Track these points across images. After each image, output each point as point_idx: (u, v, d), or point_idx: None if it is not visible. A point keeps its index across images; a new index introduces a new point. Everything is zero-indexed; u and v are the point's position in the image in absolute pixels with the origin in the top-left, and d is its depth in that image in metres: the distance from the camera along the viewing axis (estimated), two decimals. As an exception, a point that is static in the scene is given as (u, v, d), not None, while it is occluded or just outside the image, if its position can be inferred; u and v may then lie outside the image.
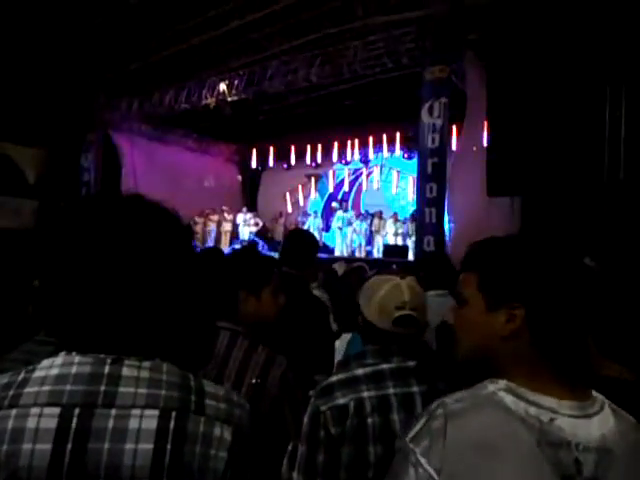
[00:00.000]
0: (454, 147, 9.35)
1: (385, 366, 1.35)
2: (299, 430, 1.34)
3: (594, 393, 0.80)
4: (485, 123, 7.54)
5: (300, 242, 2.68)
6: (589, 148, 5.59)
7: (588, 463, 0.72)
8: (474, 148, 7.74)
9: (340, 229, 12.93)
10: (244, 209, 14.59)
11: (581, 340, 0.80)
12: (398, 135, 12.67)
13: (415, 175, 9.75)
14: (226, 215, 14.11)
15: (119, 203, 0.78)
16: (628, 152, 5.35)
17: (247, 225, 14.03)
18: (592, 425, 0.75)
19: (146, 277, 0.72)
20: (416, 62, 8.60)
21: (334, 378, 1.34)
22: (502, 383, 0.78)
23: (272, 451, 1.38)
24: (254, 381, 1.55)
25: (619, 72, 5.36)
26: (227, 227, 13.99)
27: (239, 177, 16.31)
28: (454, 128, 9.72)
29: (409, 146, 12.42)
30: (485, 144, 7.55)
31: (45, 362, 0.71)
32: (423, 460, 0.73)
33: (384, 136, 12.91)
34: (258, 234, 13.79)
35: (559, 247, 0.82)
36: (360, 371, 1.34)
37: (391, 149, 13.01)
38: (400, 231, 11.85)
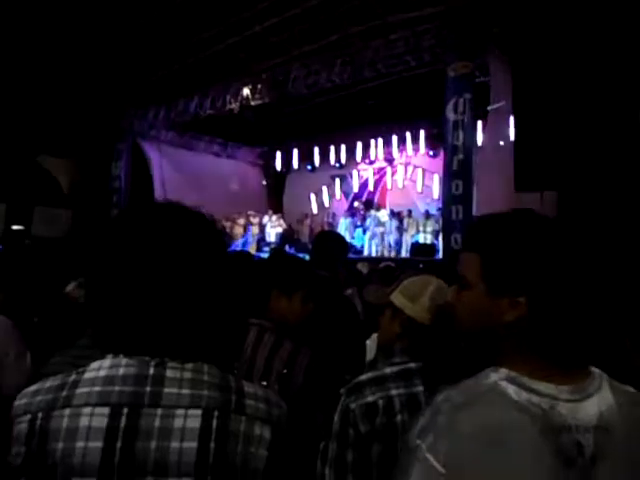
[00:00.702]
0: (479, 143, 9.22)
1: (413, 365, 1.36)
2: (328, 424, 1.36)
3: (592, 369, 0.80)
4: (511, 118, 7.42)
5: (330, 244, 2.71)
6: (620, 139, 5.44)
7: (588, 444, 0.73)
8: (501, 143, 7.63)
9: (368, 229, 12.88)
10: (270, 212, 14.70)
11: (586, 325, 0.79)
12: (422, 133, 12.55)
13: (440, 173, 9.67)
14: (252, 219, 14.25)
15: (159, 211, 0.81)
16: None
17: (273, 227, 14.14)
18: (591, 405, 0.76)
19: (187, 282, 0.75)
20: (438, 59, 8.51)
21: (363, 377, 1.36)
22: (504, 372, 0.78)
23: (302, 441, 1.41)
24: (283, 371, 1.59)
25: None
26: (254, 230, 14.13)
27: (264, 180, 16.45)
28: (479, 124, 9.60)
29: (433, 143, 12.29)
30: (512, 139, 7.43)
31: (94, 364, 0.75)
32: (430, 455, 0.73)
33: (408, 134, 12.81)
34: (284, 237, 13.86)
35: (563, 227, 0.81)
36: (388, 370, 1.35)
37: (415, 147, 12.90)
38: (429, 229, 11.72)
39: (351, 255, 10.81)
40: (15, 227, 11.88)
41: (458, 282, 0.86)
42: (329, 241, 2.76)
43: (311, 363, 1.65)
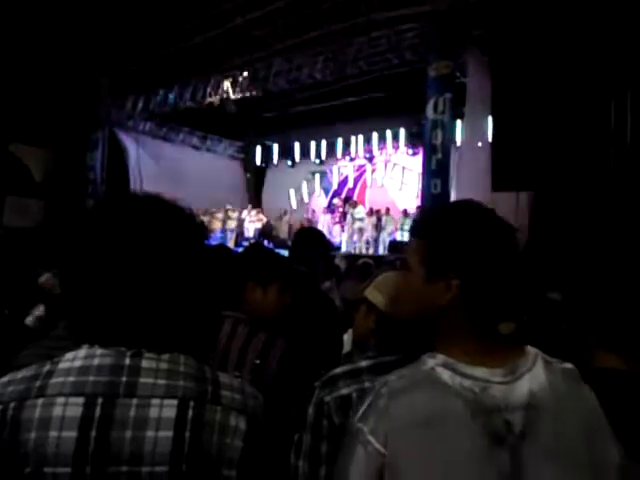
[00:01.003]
0: (458, 143, 9.34)
1: (387, 358, 1.37)
2: (302, 417, 1.37)
3: (528, 348, 0.83)
4: (489, 118, 7.54)
5: (309, 240, 2.71)
6: (595, 141, 5.58)
7: (517, 422, 0.77)
8: (479, 144, 7.74)
9: (347, 226, 12.93)
10: (249, 206, 14.62)
11: (512, 303, 0.83)
12: (402, 131, 12.64)
13: (419, 171, 9.76)
14: (230, 213, 14.15)
15: (137, 202, 0.81)
16: (634, 143, 5.35)
17: (252, 222, 14.06)
18: (521, 385, 0.79)
19: (163, 273, 0.75)
20: (420, 58, 8.59)
21: (338, 370, 1.36)
22: (440, 358, 0.81)
23: (275, 433, 1.41)
24: (256, 362, 1.60)
25: (623, 66, 5.35)
26: (232, 225, 14.02)
27: (243, 174, 16.33)
28: (458, 123, 9.71)
29: (413, 142, 12.40)
30: (490, 139, 7.55)
31: (69, 355, 0.74)
32: (371, 438, 0.77)
33: (388, 132, 12.89)
34: (263, 232, 13.81)
35: (496, 218, 0.85)
36: (363, 363, 1.37)
37: (395, 145, 12.99)
38: (407, 227, 11.82)
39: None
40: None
41: (401, 266, 0.93)
42: (309, 237, 2.75)
43: (285, 354, 1.66)
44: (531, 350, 0.83)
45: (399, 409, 0.78)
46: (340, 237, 12.88)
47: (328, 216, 13.64)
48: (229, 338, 1.66)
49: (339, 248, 12.60)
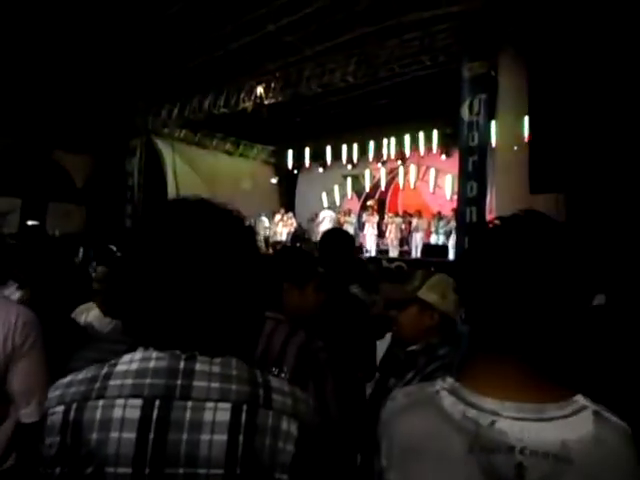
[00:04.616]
0: (494, 144, 9.14)
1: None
2: (321, 402, 1.46)
3: (577, 397, 0.73)
4: (526, 119, 7.34)
5: (337, 242, 2.70)
6: (635, 142, 5.36)
7: (534, 469, 0.67)
8: (515, 145, 7.56)
9: (375, 229, 12.86)
10: (281, 210, 14.73)
11: (537, 340, 0.73)
12: (435, 133, 12.48)
13: (452, 173, 9.60)
14: (263, 218, 14.31)
15: (190, 206, 0.81)
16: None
17: (285, 226, 14.17)
18: (548, 429, 0.69)
19: (216, 276, 0.76)
20: (453, 58, 8.46)
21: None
22: (449, 382, 0.77)
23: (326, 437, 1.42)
24: (293, 361, 1.61)
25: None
26: (263, 232, 14.14)
27: (276, 179, 16.48)
28: (493, 124, 9.51)
29: (447, 144, 12.22)
30: (527, 140, 7.35)
31: (126, 357, 0.76)
32: (381, 444, 0.79)
33: (421, 134, 12.74)
34: (295, 235, 13.88)
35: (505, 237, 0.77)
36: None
37: (428, 147, 12.83)
38: (441, 230, 11.66)
39: (362, 254, 10.78)
40: (30, 222, 12.03)
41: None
42: (335, 238, 2.74)
43: (305, 344, 1.67)
44: (579, 399, 0.73)
45: (394, 428, 0.77)
46: (372, 239, 12.82)
47: (361, 219, 13.59)
48: (269, 338, 1.67)
49: (370, 251, 12.55)
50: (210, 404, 0.72)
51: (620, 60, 5.36)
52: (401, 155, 13.62)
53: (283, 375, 1.59)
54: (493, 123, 8.62)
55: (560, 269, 0.72)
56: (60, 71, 10.11)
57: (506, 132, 7.88)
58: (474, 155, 7.50)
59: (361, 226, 13.44)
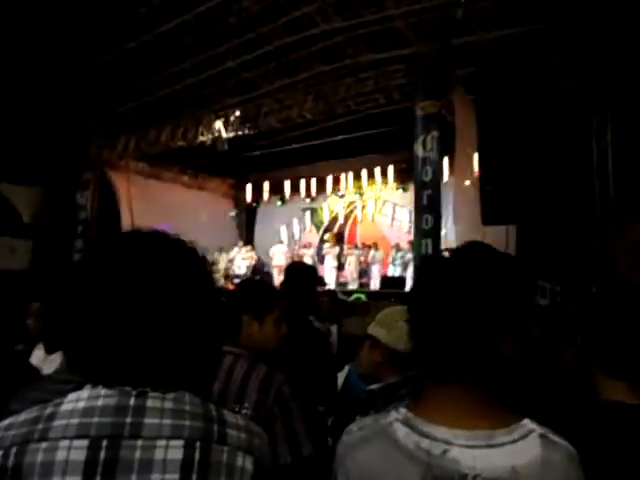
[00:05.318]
0: (446, 179, 9.51)
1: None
2: (291, 441, 1.46)
3: (524, 421, 0.74)
4: (476, 155, 7.72)
5: (300, 275, 2.70)
6: (579, 175, 5.72)
7: None
8: (467, 180, 7.89)
9: (335, 261, 12.93)
10: (240, 243, 14.61)
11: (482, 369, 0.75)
12: (391, 168, 12.86)
13: (409, 206, 9.86)
14: (223, 253, 14.13)
15: (139, 238, 0.79)
16: (616, 178, 5.48)
17: (243, 259, 14.02)
18: (498, 455, 0.70)
19: (170, 311, 0.73)
20: (407, 97, 8.84)
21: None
22: (402, 412, 0.77)
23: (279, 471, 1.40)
24: (255, 396, 1.57)
25: (603, 105, 5.55)
26: (221, 266, 13.94)
27: (234, 212, 16.41)
28: (445, 160, 9.91)
29: (402, 178, 12.60)
30: (477, 175, 7.71)
31: (71, 396, 0.71)
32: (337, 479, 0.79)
33: (377, 169, 13.11)
34: (254, 269, 13.76)
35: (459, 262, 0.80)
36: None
37: (385, 181, 13.19)
38: (398, 262, 11.86)
39: (320, 287, 10.77)
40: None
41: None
42: (299, 272, 2.74)
43: (280, 388, 1.64)
44: (527, 424, 0.74)
45: (352, 463, 0.76)
46: (332, 272, 12.86)
47: (321, 252, 13.66)
48: (228, 373, 1.62)
49: (328, 284, 12.57)
50: (161, 442, 0.68)
51: (562, 100, 5.75)
52: (359, 189, 13.92)
53: (245, 411, 1.54)
54: (446, 159, 9.01)
55: (500, 296, 0.75)
56: (8, 100, 9.81)
57: (461, 167, 8.24)
58: (428, 189, 7.75)
59: (321, 259, 13.49)
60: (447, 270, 0.79)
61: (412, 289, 0.86)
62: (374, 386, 1.55)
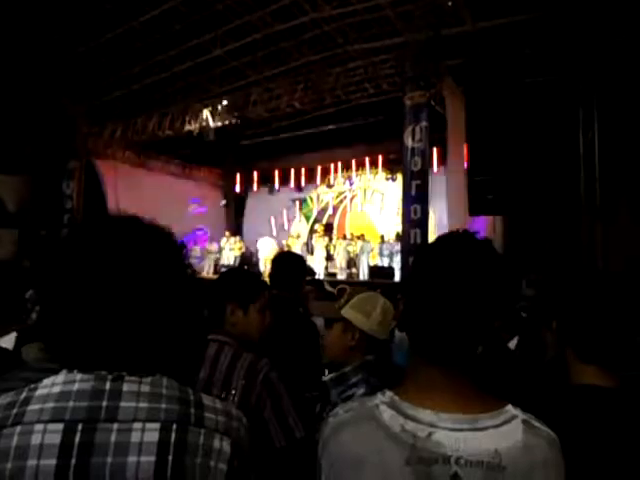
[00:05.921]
0: (435, 169, 9.54)
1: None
2: (283, 425, 1.49)
3: (507, 407, 0.76)
4: (465, 146, 7.73)
5: (289, 265, 2.70)
6: (565, 167, 5.77)
7: (469, 477, 0.70)
8: (455, 170, 7.92)
9: (324, 252, 12.95)
10: (227, 234, 14.55)
11: (468, 353, 0.77)
12: (380, 158, 12.87)
13: (398, 197, 9.89)
14: (214, 243, 14.06)
15: (114, 223, 0.79)
16: (603, 170, 5.54)
17: (231, 250, 13.98)
18: (482, 439, 0.72)
19: (145, 295, 0.73)
20: (396, 87, 8.83)
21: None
22: (388, 395, 0.78)
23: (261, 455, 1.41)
24: (242, 383, 1.57)
25: (590, 98, 5.59)
26: (211, 257, 13.88)
27: (223, 202, 16.31)
28: (435, 151, 9.94)
29: (391, 168, 12.62)
30: (466, 166, 7.73)
31: (47, 381, 0.71)
32: (322, 462, 0.79)
33: (366, 159, 13.10)
34: (242, 259, 13.73)
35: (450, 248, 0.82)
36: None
37: (374, 172, 13.20)
38: (387, 252, 11.91)
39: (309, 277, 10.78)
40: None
41: None
42: (288, 262, 2.74)
43: (267, 374, 1.64)
44: (510, 409, 0.76)
45: (336, 446, 0.77)
46: (321, 263, 12.89)
47: (310, 242, 13.65)
48: (214, 361, 1.62)
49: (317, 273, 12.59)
50: (138, 425, 0.68)
51: (551, 91, 5.78)
52: (348, 179, 13.91)
53: (231, 398, 1.55)
54: (434, 149, 9.04)
55: (489, 282, 0.77)
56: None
57: (452, 158, 8.26)
58: (417, 179, 7.78)
59: (310, 249, 13.50)
60: (439, 256, 0.81)
61: (408, 274, 0.88)
62: (326, 377, 1.54)
